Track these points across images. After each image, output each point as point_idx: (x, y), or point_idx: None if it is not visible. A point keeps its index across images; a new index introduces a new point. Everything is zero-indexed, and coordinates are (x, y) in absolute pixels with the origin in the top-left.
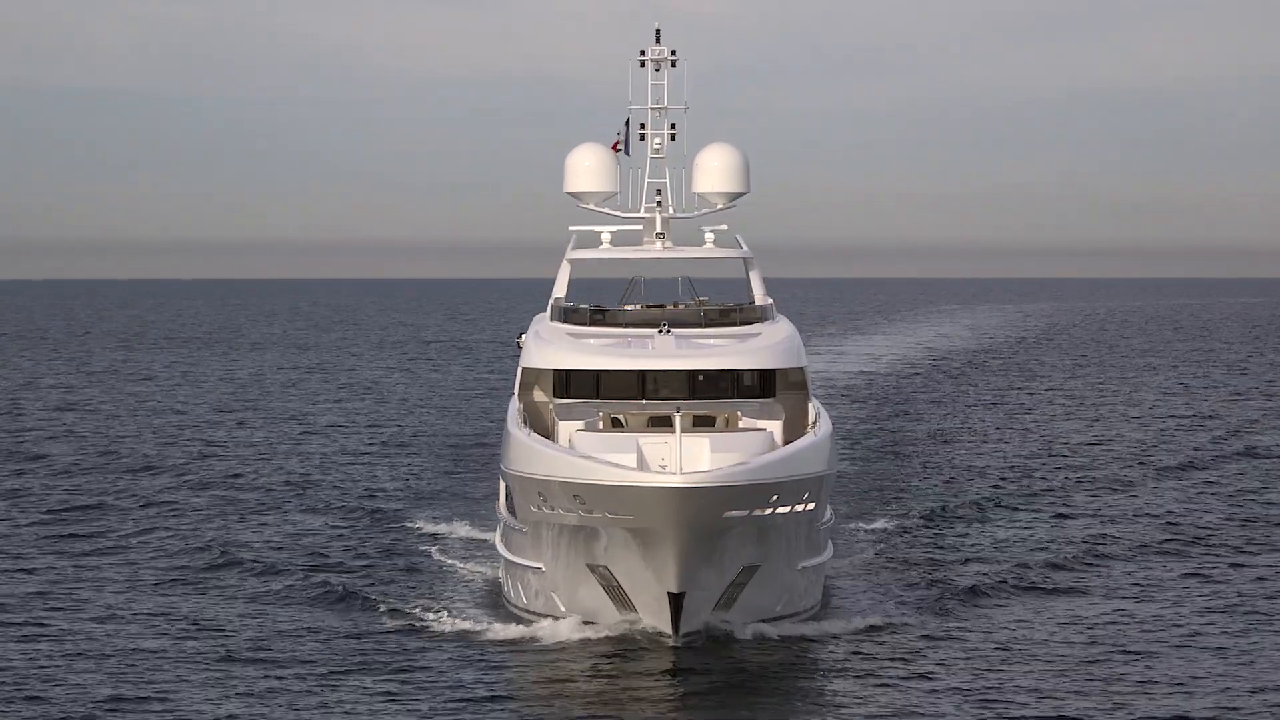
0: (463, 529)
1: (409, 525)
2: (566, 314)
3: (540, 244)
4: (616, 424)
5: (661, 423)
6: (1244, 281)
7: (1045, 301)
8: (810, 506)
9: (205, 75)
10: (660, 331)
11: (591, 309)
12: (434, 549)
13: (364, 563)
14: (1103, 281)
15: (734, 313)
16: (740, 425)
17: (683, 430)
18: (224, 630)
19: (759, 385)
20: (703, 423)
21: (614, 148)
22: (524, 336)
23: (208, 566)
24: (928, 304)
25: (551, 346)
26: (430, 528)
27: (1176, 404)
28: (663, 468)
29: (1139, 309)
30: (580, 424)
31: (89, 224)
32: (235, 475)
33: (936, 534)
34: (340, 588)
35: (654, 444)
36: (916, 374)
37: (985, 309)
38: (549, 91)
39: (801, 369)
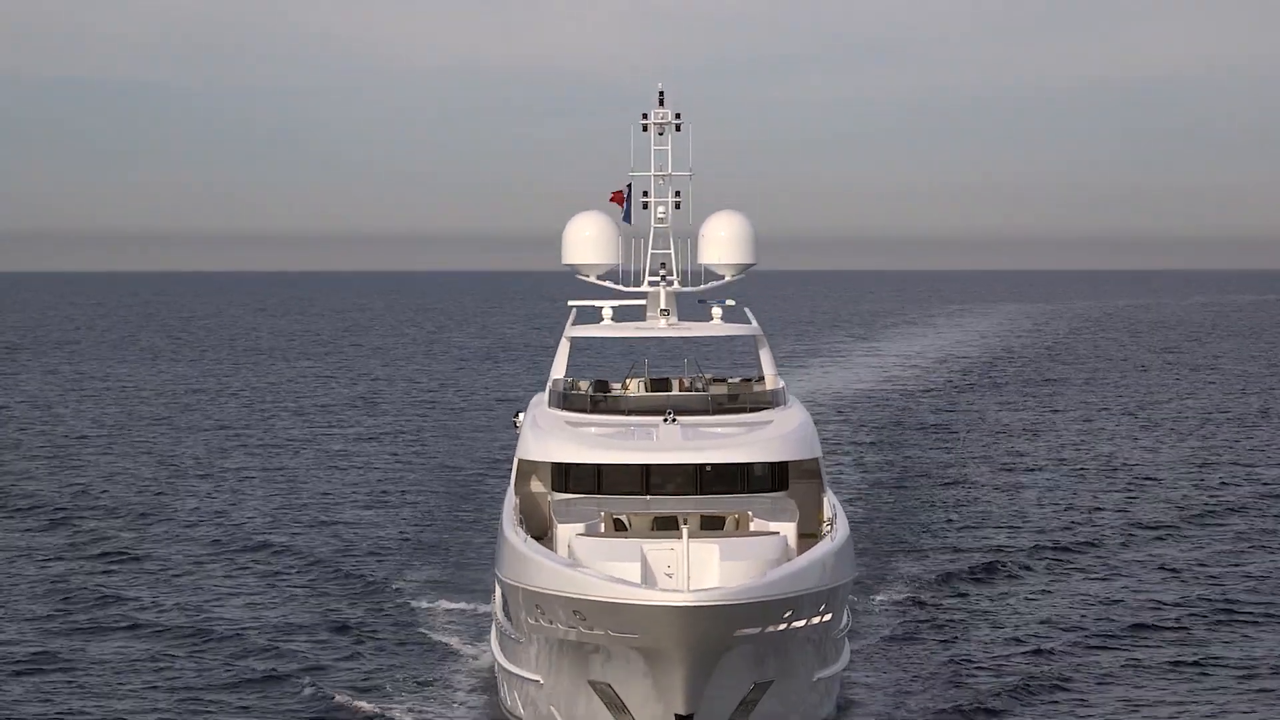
0: (458, 602)
1: (398, 591)
2: (565, 399)
3: (545, 235)
4: (619, 525)
5: (667, 523)
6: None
7: (1059, 301)
8: (827, 618)
9: (217, 66)
10: (665, 420)
11: (592, 393)
12: (424, 626)
13: (342, 648)
14: (1112, 273)
15: (743, 398)
16: (751, 527)
17: (690, 535)
18: None
19: (771, 478)
20: (711, 524)
21: (613, 199)
22: (521, 417)
23: (179, 636)
24: (936, 303)
25: (550, 437)
26: (422, 602)
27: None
28: (669, 576)
29: (1159, 310)
30: (580, 527)
31: (103, 215)
32: (195, 527)
33: (957, 605)
34: (312, 686)
35: (659, 550)
36: (926, 391)
37: (992, 313)
38: (554, 85)
39: (816, 459)
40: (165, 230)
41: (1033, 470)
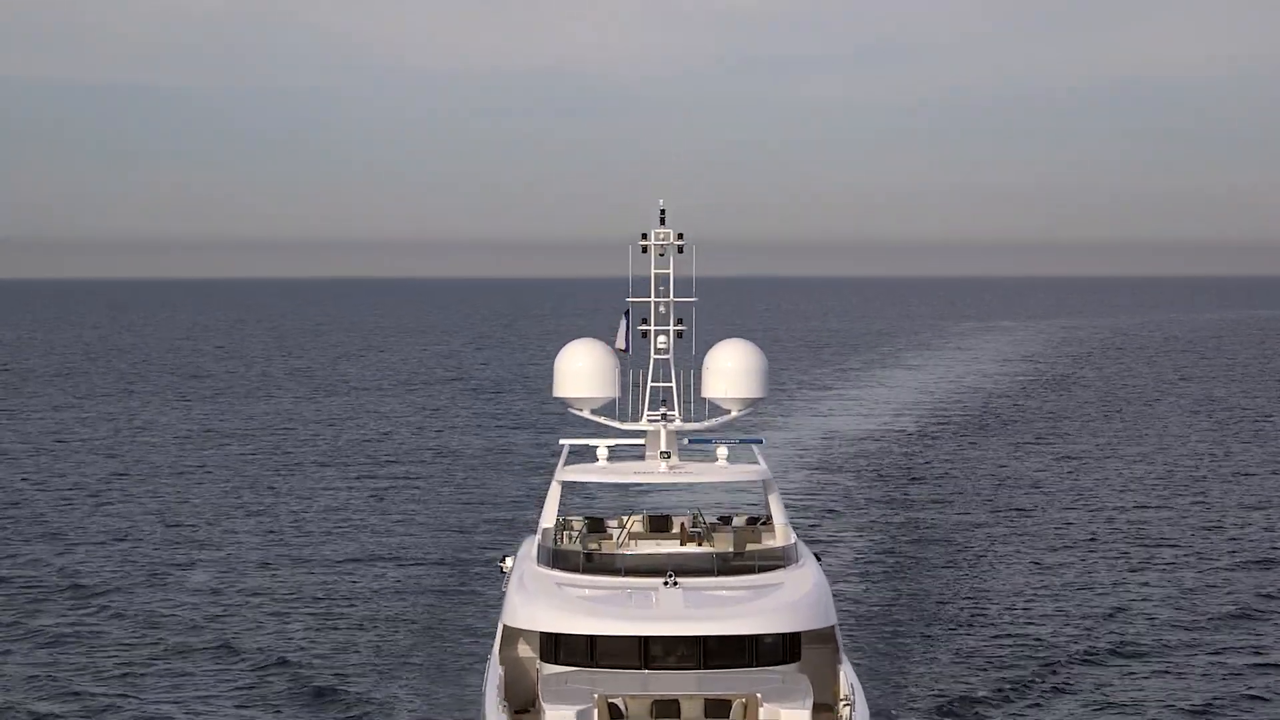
0: None
1: None
2: (556, 557)
3: (568, 242)
4: (614, 711)
5: (668, 709)
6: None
7: (1082, 316)
8: None
9: (232, 69)
10: (666, 583)
11: (585, 539)
12: None
13: None
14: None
15: (750, 555)
16: (761, 714)
17: None
18: None
19: (782, 649)
20: (716, 709)
21: (617, 349)
22: (508, 562)
23: None
24: (949, 319)
25: (538, 602)
26: None
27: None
28: None
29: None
30: (571, 714)
31: (115, 221)
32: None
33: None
34: None
35: None
36: (937, 433)
37: (1004, 334)
38: (569, 86)
39: (831, 627)
40: (173, 236)
41: (1062, 549)
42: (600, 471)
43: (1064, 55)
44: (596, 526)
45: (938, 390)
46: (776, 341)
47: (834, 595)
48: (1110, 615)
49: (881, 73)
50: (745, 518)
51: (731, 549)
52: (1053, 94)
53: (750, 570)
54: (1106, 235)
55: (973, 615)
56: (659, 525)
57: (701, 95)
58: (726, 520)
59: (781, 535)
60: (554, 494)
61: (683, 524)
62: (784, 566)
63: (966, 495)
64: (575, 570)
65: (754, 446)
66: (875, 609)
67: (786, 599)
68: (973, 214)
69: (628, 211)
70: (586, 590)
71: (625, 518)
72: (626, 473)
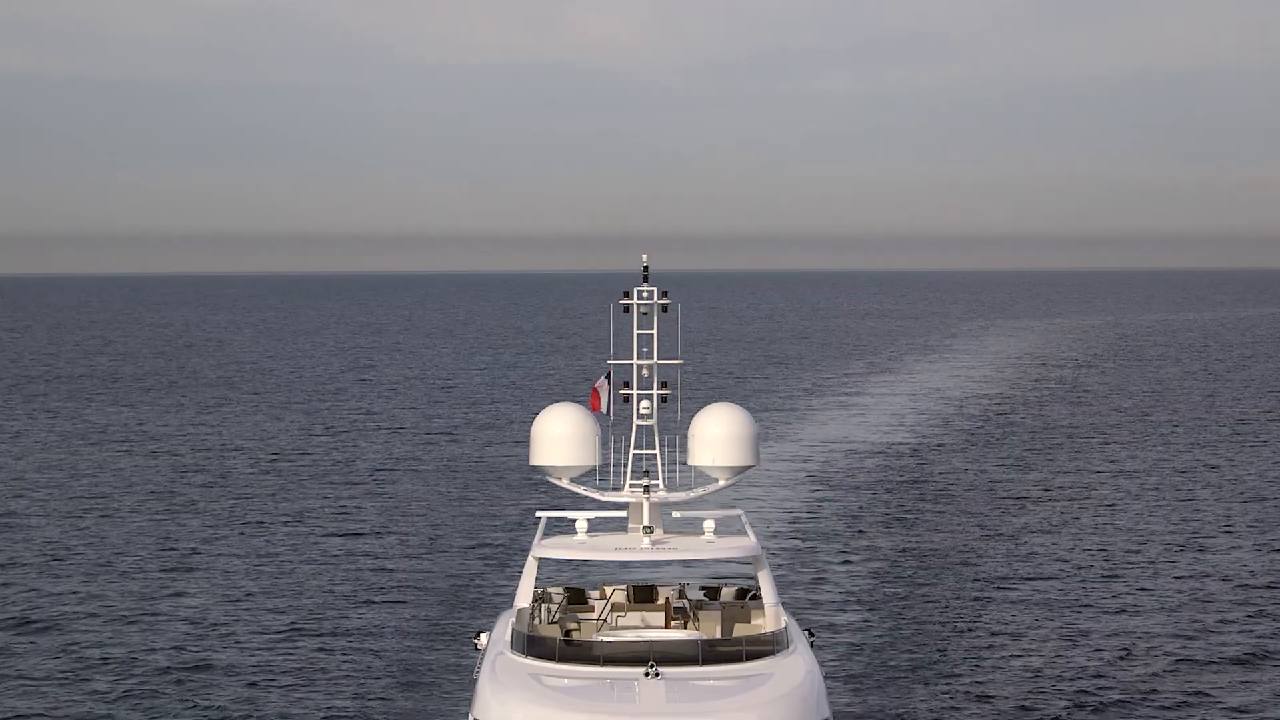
0: None
1: None
2: (530, 644)
3: (580, 235)
4: None
5: None
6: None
7: (1084, 314)
8: None
9: (243, 66)
10: (648, 674)
11: (561, 637)
12: None
13: None
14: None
15: (739, 640)
16: None
17: None
18: None
19: None
20: None
21: (594, 407)
22: (483, 639)
23: None
24: (952, 322)
25: (511, 695)
26: None
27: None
28: None
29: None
30: None
31: (135, 216)
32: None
33: None
34: None
35: None
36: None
37: (1008, 335)
38: (583, 80)
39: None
40: (188, 231)
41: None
42: (579, 548)
43: (1094, 45)
44: (577, 598)
45: (948, 394)
46: (776, 340)
47: (827, 683)
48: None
49: (892, 67)
50: (735, 589)
51: (719, 630)
52: (1076, 86)
53: (737, 658)
54: (1130, 228)
55: (984, 695)
56: (643, 596)
57: (714, 90)
58: (714, 593)
59: (771, 619)
60: (530, 571)
61: (668, 598)
62: (774, 654)
63: (982, 539)
64: (551, 659)
65: (743, 517)
66: (875, 694)
67: (775, 693)
68: (988, 206)
69: (632, 206)
70: (564, 681)
71: (608, 588)
72: (607, 548)
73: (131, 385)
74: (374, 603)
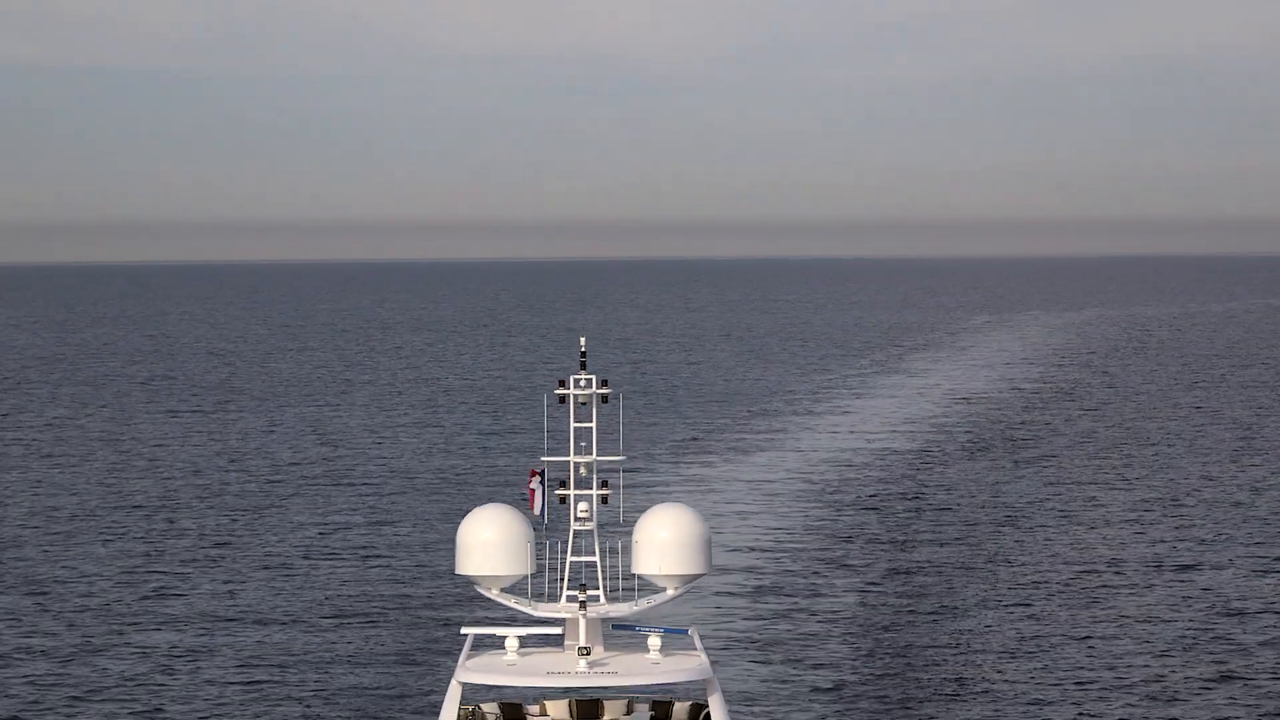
0: None
1: None
2: None
3: (577, 222)
4: None
5: None
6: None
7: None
8: None
9: (247, 54)
10: None
11: None
12: None
13: None
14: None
15: None
16: None
17: None
18: None
19: None
20: None
21: (531, 506)
22: None
23: None
24: (962, 316)
25: None
26: None
27: None
28: None
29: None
30: None
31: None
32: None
33: None
34: None
35: None
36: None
37: (1016, 333)
38: (588, 68)
39: None
40: (200, 219)
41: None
42: (507, 671)
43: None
44: (514, 713)
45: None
46: (773, 336)
47: None
48: None
49: (896, 53)
50: (689, 705)
51: None
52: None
53: None
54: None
55: None
56: (587, 712)
57: (726, 78)
58: (665, 710)
59: None
60: (453, 696)
61: (615, 718)
62: None
63: (970, 585)
64: None
65: (692, 632)
66: None
67: None
68: (1005, 193)
69: (640, 192)
70: None
71: (549, 704)
72: (539, 671)
73: (131, 386)
74: (349, 625)
